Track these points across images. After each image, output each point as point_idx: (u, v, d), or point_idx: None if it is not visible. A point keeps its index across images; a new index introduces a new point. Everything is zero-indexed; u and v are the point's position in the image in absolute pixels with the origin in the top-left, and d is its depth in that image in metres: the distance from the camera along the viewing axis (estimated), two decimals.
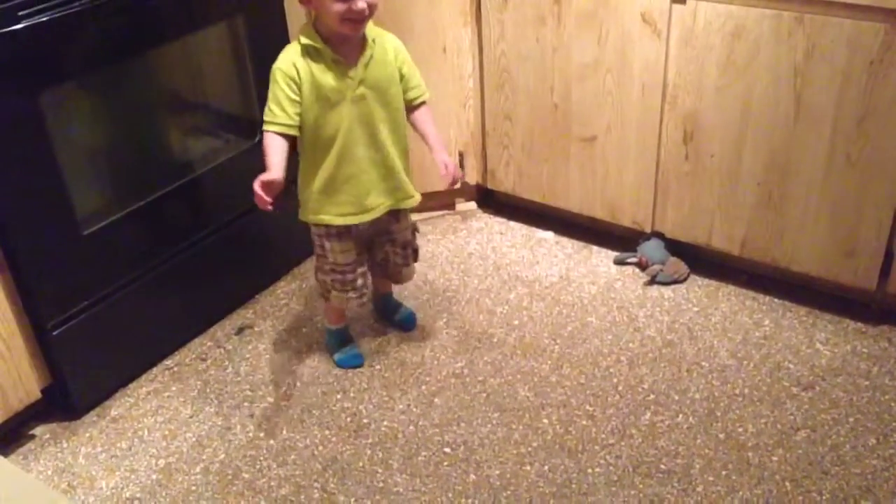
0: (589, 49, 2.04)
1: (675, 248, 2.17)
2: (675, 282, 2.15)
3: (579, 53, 2.06)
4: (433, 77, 2.26)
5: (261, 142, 1.66)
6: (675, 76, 1.95)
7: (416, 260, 1.95)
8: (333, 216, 1.74)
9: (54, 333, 1.74)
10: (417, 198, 1.83)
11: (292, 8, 2.08)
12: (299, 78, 1.62)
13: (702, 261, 2.17)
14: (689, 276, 2.16)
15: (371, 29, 1.67)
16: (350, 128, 1.67)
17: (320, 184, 1.71)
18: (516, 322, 2.06)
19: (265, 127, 1.64)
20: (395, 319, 2.06)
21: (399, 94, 1.73)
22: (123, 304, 1.86)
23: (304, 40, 1.63)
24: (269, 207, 1.56)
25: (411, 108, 1.76)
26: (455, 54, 2.25)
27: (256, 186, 1.55)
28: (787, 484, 1.60)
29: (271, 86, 1.63)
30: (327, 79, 1.63)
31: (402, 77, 1.72)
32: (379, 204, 1.77)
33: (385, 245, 1.87)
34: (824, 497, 1.57)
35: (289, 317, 2.12)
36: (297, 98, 1.63)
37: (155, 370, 1.97)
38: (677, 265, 2.16)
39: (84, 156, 1.76)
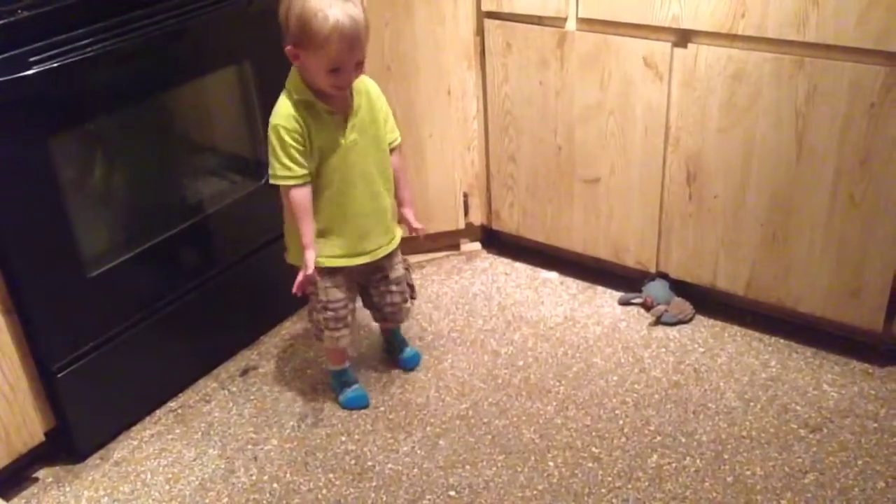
0: (591, 92, 2.06)
1: (680, 288, 2.17)
2: (681, 322, 2.14)
3: (582, 96, 2.08)
4: (438, 119, 2.28)
5: (267, 184, 1.68)
6: (677, 118, 1.97)
7: (413, 297, 1.96)
8: (325, 258, 1.76)
9: (59, 376, 1.73)
10: (400, 233, 1.89)
11: None
12: (301, 130, 1.66)
13: (707, 301, 2.16)
14: (694, 316, 2.16)
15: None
16: (346, 174, 1.71)
17: (316, 228, 1.73)
18: (521, 363, 2.05)
19: (288, 182, 1.67)
20: (399, 358, 2.07)
21: (385, 136, 1.78)
22: (128, 346, 1.86)
23: (296, 96, 1.66)
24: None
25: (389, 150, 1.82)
26: (459, 97, 2.28)
27: (302, 276, 1.70)
28: None
29: (276, 143, 1.66)
30: (322, 130, 1.67)
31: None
32: (377, 248, 1.81)
33: (380, 284, 1.88)
34: None
35: (293, 358, 2.12)
36: (305, 149, 1.67)
37: (159, 412, 1.97)
38: (682, 306, 2.15)
39: (91, 198, 1.78)
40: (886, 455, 1.72)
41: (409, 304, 1.95)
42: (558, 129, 2.17)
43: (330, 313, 1.82)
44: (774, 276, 1.98)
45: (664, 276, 2.18)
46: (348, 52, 1.58)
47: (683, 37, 1.90)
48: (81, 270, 1.73)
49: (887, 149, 1.72)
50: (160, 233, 1.89)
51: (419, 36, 2.17)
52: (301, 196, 1.68)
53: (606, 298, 2.27)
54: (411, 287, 1.94)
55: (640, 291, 2.21)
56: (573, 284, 2.34)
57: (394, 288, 1.89)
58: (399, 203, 1.85)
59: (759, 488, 1.66)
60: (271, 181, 1.70)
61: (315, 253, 1.70)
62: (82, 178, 1.74)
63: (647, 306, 2.19)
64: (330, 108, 1.67)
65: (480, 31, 2.21)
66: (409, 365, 2.05)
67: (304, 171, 1.67)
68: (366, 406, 1.94)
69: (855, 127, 1.74)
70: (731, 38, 1.83)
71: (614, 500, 1.66)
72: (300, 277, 1.71)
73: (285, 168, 1.66)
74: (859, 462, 1.71)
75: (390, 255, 1.85)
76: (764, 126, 1.85)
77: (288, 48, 1.62)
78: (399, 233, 1.88)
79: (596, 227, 2.22)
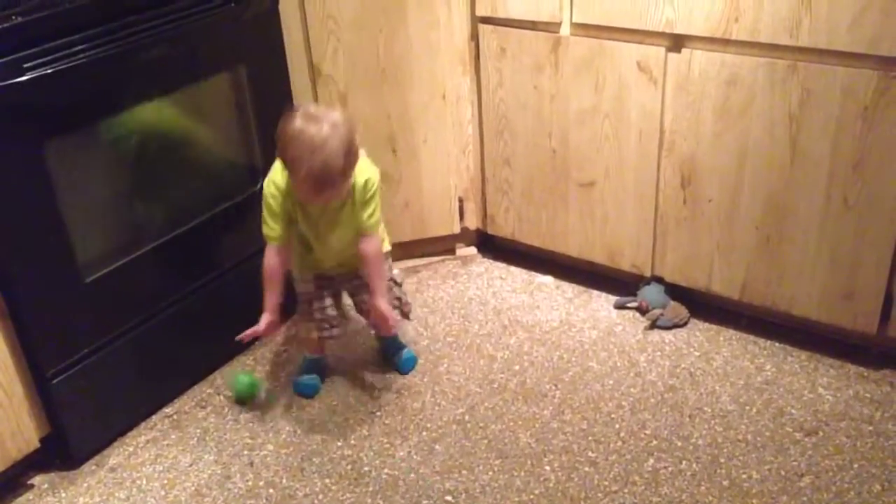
0: (586, 96, 2.07)
1: (675, 292, 2.17)
2: (676, 326, 2.15)
3: (577, 100, 2.09)
4: (433, 124, 2.29)
5: (261, 189, 1.71)
6: (671, 122, 1.98)
7: (405, 314, 1.99)
8: (296, 266, 1.90)
9: (54, 382, 1.73)
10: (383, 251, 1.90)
11: (294, 59, 2.11)
12: (279, 193, 1.74)
13: (702, 305, 2.17)
14: (689, 320, 2.16)
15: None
16: (314, 236, 1.82)
17: (296, 250, 1.87)
18: (517, 367, 2.05)
19: (266, 239, 1.79)
20: (394, 361, 2.07)
21: (354, 231, 1.81)
22: (123, 352, 1.86)
23: (284, 178, 1.73)
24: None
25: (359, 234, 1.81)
26: (454, 102, 2.28)
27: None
28: None
29: (263, 201, 1.78)
30: (297, 211, 1.78)
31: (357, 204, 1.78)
32: (325, 267, 1.89)
33: (361, 291, 1.91)
34: None
35: (288, 364, 2.11)
36: (278, 212, 1.76)
37: (154, 418, 1.96)
38: (678, 309, 2.16)
39: (86, 204, 1.77)
40: (882, 458, 1.72)
41: (398, 316, 1.94)
42: (553, 133, 2.17)
43: (302, 305, 1.93)
44: (769, 280, 1.99)
45: (659, 279, 2.18)
46: (315, 194, 1.67)
47: (677, 41, 1.90)
48: (77, 276, 1.73)
49: (880, 152, 1.73)
50: (155, 238, 1.89)
51: (413, 41, 2.18)
52: (268, 258, 1.79)
53: (602, 302, 2.28)
54: (400, 301, 1.96)
55: (636, 295, 2.21)
56: (569, 288, 2.34)
57: (367, 296, 1.89)
58: (370, 291, 1.83)
59: (754, 492, 1.67)
60: None
61: (269, 318, 1.80)
62: (77, 183, 1.73)
63: (642, 310, 2.19)
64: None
65: (475, 36, 2.21)
66: (404, 369, 2.06)
67: (275, 234, 1.77)
68: (310, 396, 1.99)
69: (848, 131, 1.75)
70: (724, 43, 1.83)
71: None
72: (251, 330, 1.81)
73: (266, 225, 1.78)
74: (855, 465, 1.71)
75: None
76: (758, 130, 1.86)
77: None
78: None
79: (591, 231, 2.23)
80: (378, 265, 1.82)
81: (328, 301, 1.92)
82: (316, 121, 1.60)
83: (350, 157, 1.63)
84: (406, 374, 2.04)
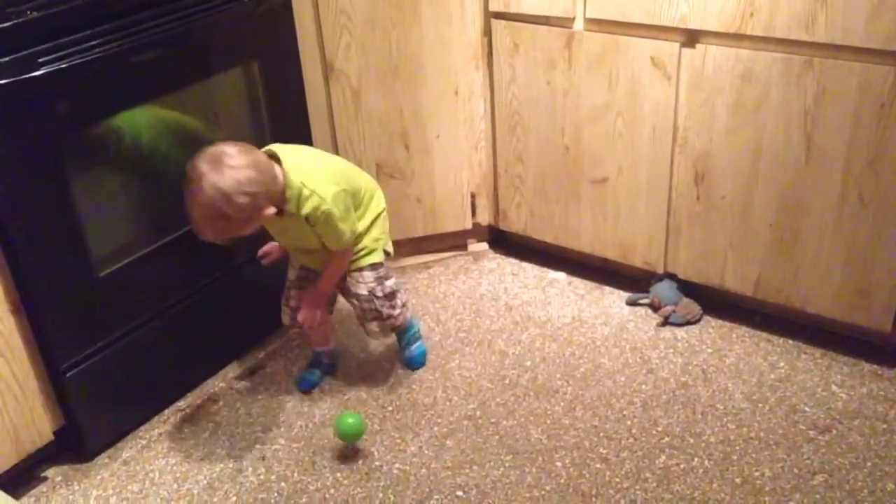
0: (599, 92, 2.06)
1: (688, 289, 2.16)
2: (689, 323, 2.14)
3: (590, 96, 2.08)
4: (445, 120, 2.28)
5: None
6: (685, 118, 1.97)
7: (382, 330, 1.93)
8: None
9: (68, 375, 1.74)
10: (366, 261, 1.88)
11: (307, 54, 2.12)
12: None
13: (715, 302, 2.16)
14: (702, 317, 2.15)
15: (294, 194, 1.69)
16: (276, 228, 1.83)
17: None
18: (528, 363, 2.05)
19: None
20: (402, 356, 2.08)
21: (317, 237, 1.78)
22: (137, 346, 1.87)
23: None
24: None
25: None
26: (467, 97, 2.28)
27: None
28: None
29: None
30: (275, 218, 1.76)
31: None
32: (313, 263, 1.90)
33: (346, 293, 1.92)
34: None
35: (300, 358, 2.12)
36: None
37: (167, 412, 1.97)
38: (690, 306, 2.15)
39: (100, 199, 1.78)
40: (895, 457, 1.71)
41: (374, 327, 1.92)
42: (566, 129, 2.16)
43: (285, 290, 1.95)
44: (783, 277, 1.97)
45: (672, 276, 2.17)
46: (205, 235, 1.65)
47: (692, 37, 1.89)
48: (91, 270, 1.74)
49: None
50: (169, 233, 1.90)
51: (426, 37, 2.18)
52: None
53: (614, 299, 2.27)
54: (379, 314, 1.90)
55: (648, 292, 2.20)
56: (581, 285, 2.34)
57: (354, 302, 1.91)
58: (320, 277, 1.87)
59: (767, 489, 1.66)
60: None
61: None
62: (91, 178, 1.74)
63: (654, 307, 2.18)
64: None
65: (488, 32, 2.21)
66: (411, 365, 2.06)
67: None
68: (307, 391, 2.00)
69: (864, 127, 1.73)
70: (739, 38, 1.82)
71: (622, 501, 1.65)
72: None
73: None
74: (868, 463, 1.70)
75: (351, 273, 1.88)
76: (772, 126, 1.85)
77: None
78: (360, 261, 1.87)
79: (603, 228, 2.22)
80: (336, 262, 1.83)
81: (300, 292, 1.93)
82: (196, 169, 1.58)
83: (233, 205, 1.57)
84: (413, 369, 2.04)
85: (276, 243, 1.92)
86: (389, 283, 1.91)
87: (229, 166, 1.57)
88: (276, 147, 1.73)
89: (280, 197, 1.67)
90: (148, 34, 1.71)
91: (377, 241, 1.89)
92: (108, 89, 1.70)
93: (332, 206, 1.70)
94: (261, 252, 1.93)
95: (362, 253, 1.87)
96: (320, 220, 1.72)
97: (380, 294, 1.89)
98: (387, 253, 1.93)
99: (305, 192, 1.68)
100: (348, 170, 1.87)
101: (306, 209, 1.70)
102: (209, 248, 2.01)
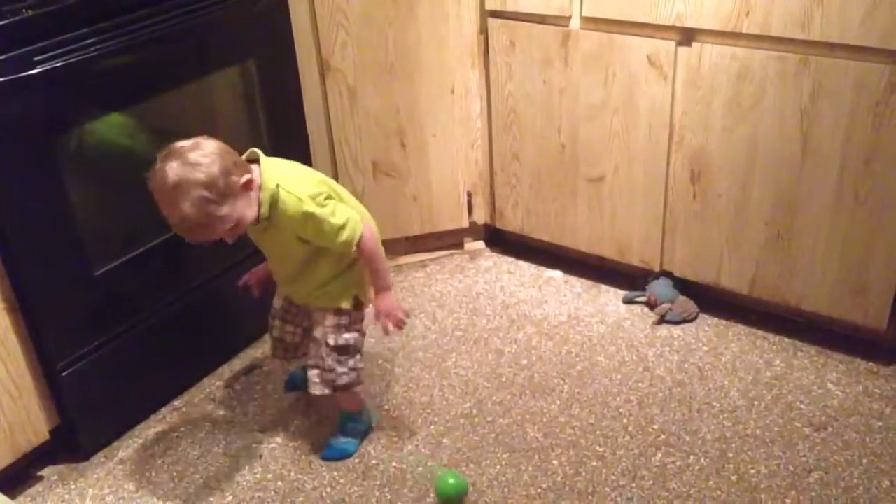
0: (596, 90, 2.06)
1: (684, 287, 2.16)
2: (685, 321, 2.14)
3: (586, 95, 2.08)
4: (441, 118, 2.28)
5: None
6: (681, 117, 1.97)
7: (322, 382, 1.70)
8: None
9: (64, 374, 1.74)
10: (333, 305, 1.69)
11: (303, 52, 2.11)
12: None
13: (711, 300, 2.16)
14: (698, 315, 2.16)
15: (267, 196, 1.55)
16: (261, 245, 1.71)
17: None
18: (525, 361, 2.05)
19: None
20: (331, 441, 1.82)
21: (303, 247, 1.63)
22: (133, 344, 1.86)
23: None
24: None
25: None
26: (463, 95, 2.28)
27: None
28: None
29: None
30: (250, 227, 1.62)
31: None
32: (293, 294, 1.77)
33: (307, 332, 1.78)
34: None
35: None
36: None
37: (163, 411, 1.97)
38: (686, 304, 2.15)
39: (96, 197, 1.78)
40: (891, 454, 1.72)
41: (313, 376, 1.70)
42: (562, 127, 2.16)
43: (270, 319, 1.85)
44: (779, 275, 1.98)
45: (668, 274, 2.18)
46: (189, 239, 1.54)
47: (688, 35, 1.90)
48: (87, 268, 1.74)
49: (892, 147, 1.72)
50: (166, 231, 1.88)
51: (423, 35, 2.18)
52: None
53: (610, 297, 2.27)
54: (322, 362, 1.69)
55: (644, 290, 2.21)
56: (577, 283, 2.34)
57: (311, 344, 1.73)
58: (374, 290, 1.70)
59: (763, 487, 1.66)
60: None
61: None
62: (87, 176, 1.74)
63: (651, 305, 2.18)
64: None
65: (484, 30, 2.21)
66: (327, 455, 1.81)
67: None
68: (291, 390, 1.98)
69: (860, 125, 1.74)
70: (735, 37, 1.83)
71: (619, 499, 1.66)
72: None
73: None
74: (864, 461, 1.71)
75: (315, 309, 1.72)
76: (768, 125, 1.85)
77: None
78: (331, 304, 1.69)
79: (600, 226, 2.22)
80: (370, 259, 1.65)
81: (289, 328, 1.81)
82: (163, 164, 1.46)
83: (206, 201, 1.45)
84: (325, 459, 1.80)
85: (256, 271, 1.82)
86: (348, 336, 1.69)
87: (189, 162, 1.46)
88: (260, 153, 1.60)
89: (249, 196, 1.53)
90: (144, 32, 1.71)
91: (356, 287, 1.70)
92: (104, 87, 1.70)
93: (313, 205, 1.55)
94: (240, 283, 1.83)
95: (335, 292, 1.68)
96: (308, 226, 1.56)
97: (332, 343, 1.68)
98: (358, 304, 1.71)
99: (282, 193, 1.54)
100: (340, 188, 1.71)
101: (287, 213, 1.55)
102: (206, 247, 2.01)
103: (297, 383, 1.97)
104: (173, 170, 1.45)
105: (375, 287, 1.69)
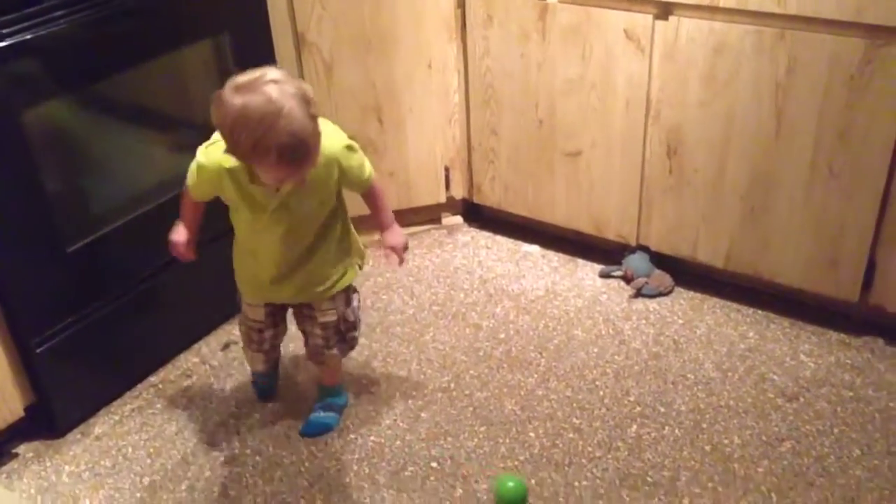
0: (573, 65, 2.06)
1: (660, 261, 2.18)
2: (661, 294, 2.16)
3: (563, 69, 2.08)
4: (419, 93, 2.27)
5: None
6: (658, 91, 1.97)
7: (349, 347, 1.76)
8: (240, 281, 1.71)
9: (38, 351, 1.72)
10: (340, 284, 1.67)
11: (278, 26, 2.09)
12: (220, 179, 1.52)
13: (687, 273, 2.18)
14: (674, 288, 2.18)
15: None
16: (260, 233, 1.57)
17: (236, 260, 1.70)
18: (502, 336, 2.06)
19: (187, 182, 1.59)
20: (309, 416, 1.82)
21: (329, 203, 1.58)
22: (108, 321, 1.85)
23: (229, 159, 1.46)
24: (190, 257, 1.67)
25: (362, 194, 1.66)
26: (440, 70, 2.26)
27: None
28: (773, 495, 1.60)
29: (195, 159, 1.55)
30: (241, 198, 1.52)
31: (342, 180, 1.57)
32: (290, 297, 1.68)
33: (306, 321, 1.72)
34: None
35: None
36: (211, 189, 1.56)
37: (139, 387, 1.96)
38: (662, 278, 2.17)
39: (68, 173, 1.76)
40: (861, 423, 1.75)
41: (333, 352, 1.73)
42: (540, 102, 2.16)
43: (244, 328, 1.77)
44: (753, 249, 2.00)
45: (645, 248, 2.19)
46: (296, 170, 1.40)
47: (665, 9, 1.89)
48: (59, 245, 1.72)
49: (866, 121, 1.73)
50: (139, 207, 1.88)
51: (399, 9, 2.16)
52: (185, 201, 1.64)
53: (587, 271, 2.28)
54: (342, 336, 1.72)
55: (621, 264, 2.22)
56: (554, 257, 2.35)
57: (318, 331, 1.70)
58: (381, 226, 1.71)
59: (736, 456, 1.69)
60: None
61: (186, 235, 1.66)
62: (58, 152, 1.71)
63: (627, 279, 2.20)
64: (257, 183, 1.49)
65: (461, 4, 2.19)
66: (307, 431, 1.79)
67: (198, 193, 1.59)
68: (265, 397, 1.88)
69: (834, 99, 1.75)
70: (712, 11, 1.83)
71: (594, 470, 1.68)
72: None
73: (191, 174, 1.57)
74: (835, 430, 1.74)
75: (320, 300, 1.67)
76: (744, 99, 1.86)
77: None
78: (339, 284, 1.67)
79: (577, 201, 2.23)
80: (381, 195, 1.66)
81: (280, 329, 1.77)
82: (255, 89, 1.33)
83: (313, 111, 1.37)
84: (307, 436, 1.79)
85: (181, 237, 1.66)
86: (356, 304, 1.74)
87: (279, 80, 1.35)
88: None
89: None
90: (115, 5, 1.69)
91: (358, 256, 1.71)
92: (73, 61, 1.67)
93: (348, 139, 1.54)
94: (181, 253, 1.69)
95: (337, 276, 1.66)
96: (350, 159, 1.53)
97: (351, 318, 1.72)
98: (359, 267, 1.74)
99: (323, 128, 1.44)
100: None
101: (330, 150, 1.49)
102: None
103: (272, 387, 1.90)
104: (274, 89, 1.32)
105: (385, 223, 1.69)
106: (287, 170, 1.38)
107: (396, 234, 1.70)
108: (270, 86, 1.32)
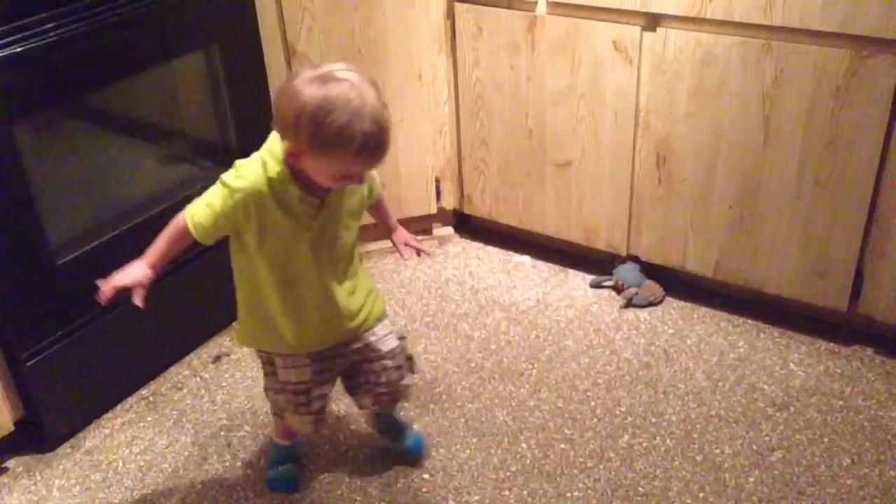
0: (562, 76, 2.07)
1: (651, 271, 2.19)
2: (651, 304, 2.17)
3: (553, 80, 2.09)
4: (409, 103, 2.28)
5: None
6: (646, 102, 1.98)
7: (412, 370, 1.68)
8: (271, 337, 1.51)
9: (28, 364, 1.72)
10: (381, 305, 1.58)
11: (268, 37, 2.09)
12: (256, 205, 1.36)
13: (676, 283, 2.19)
14: (664, 298, 2.18)
15: None
16: (295, 258, 1.43)
17: (260, 313, 1.49)
18: (494, 346, 2.06)
19: (187, 215, 1.40)
20: (402, 447, 1.72)
21: (360, 217, 1.51)
22: (98, 333, 1.84)
23: (270, 172, 1.35)
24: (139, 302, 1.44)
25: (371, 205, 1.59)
26: (430, 81, 2.27)
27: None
28: None
29: (219, 189, 1.38)
30: (285, 218, 1.38)
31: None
32: (341, 331, 1.52)
33: (369, 361, 1.55)
34: None
35: None
36: (235, 222, 1.39)
37: (130, 400, 1.95)
38: (652, 288, 2.18)
39: (58, 185, 1.75)
40: (852, 432, 1.76)
41: (413, 377, 1.67)
42: (529, 113, 2.17)
43: (290, 396, 1.54)
44: (742, 258, 2.01)
45: (635, 258, 2.20)
46: (375, 162, 1.33)
47: (653, 21, 1.91)
48: (49, 258, 1.71)
49: (852, 131, 1.75)
50: (129, 219, 1.87)
51: (389, 20, 2.16)
52: (175, 235, 1.44)
53: (578, 282, 2.29)
54: (410, 359, 1.67)
55: (611, 274, 2.23)
56: (545, 268, 2.36)
57: (388, 363, 1.55)
58: (391, 230, 1.69)
59: (727, 466, 1.69)
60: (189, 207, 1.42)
61: (152, 277, 1.45)
62: (48, 164, 1.71)
63: (617, 289, 2.21)
64: (305, 193, 1.38)
65: (451, 15, 2.20)
66: (414, 453, 1.72)
67: (207, 233, 1.40)
68: (292, 491, 1.67)
69: (821, 110, 1.76)
70: (699, 22, 1.84)
71: (586, 480, 1.68)
72: (110, 284, 1.43)
73: (201, 208, 1.39)
74: (825, 439, 1.74)
75: (372, 329, 1.55)
76: (732, 110, 1.87)
77: (290, 148, 1.32)
78: (379, 305, 1.57)
79: (567, 211, 2.24)
80: (384, 198, 1.62)
81: (328, 388, 1.57)
82: (334, 77, 1.27)
83: (384, 101, 1.32)
84: (416, 460, 1.72)
85: (146, 280, 1.45)
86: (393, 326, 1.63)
87: (352, 69, 1.32)
88: None
89: None
90: (105, 17, 1.68)
91: (380, 295, 1.61)
92: (64, 73, 1.67)
93: None
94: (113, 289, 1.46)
95: (374, 296, 1.56)
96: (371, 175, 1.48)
97: (404, 337, 1.67)
98: None
99: None
100: None
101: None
102: None
103: (295, 482, 1.70)
104: (354, 77, 1.28)
105: (395, 224, 1.70)
106: (365, 161, 1.31)
107: (404, 231, 1.72)
108: (347, 73, 1.28)
